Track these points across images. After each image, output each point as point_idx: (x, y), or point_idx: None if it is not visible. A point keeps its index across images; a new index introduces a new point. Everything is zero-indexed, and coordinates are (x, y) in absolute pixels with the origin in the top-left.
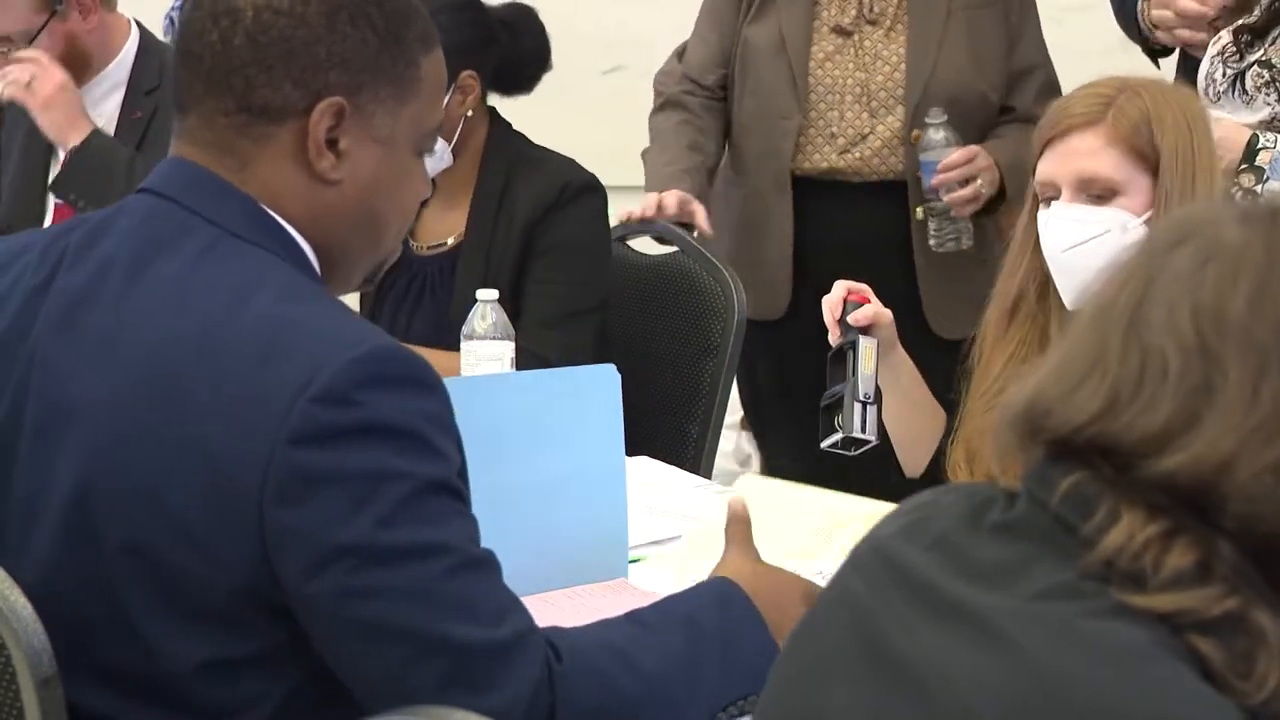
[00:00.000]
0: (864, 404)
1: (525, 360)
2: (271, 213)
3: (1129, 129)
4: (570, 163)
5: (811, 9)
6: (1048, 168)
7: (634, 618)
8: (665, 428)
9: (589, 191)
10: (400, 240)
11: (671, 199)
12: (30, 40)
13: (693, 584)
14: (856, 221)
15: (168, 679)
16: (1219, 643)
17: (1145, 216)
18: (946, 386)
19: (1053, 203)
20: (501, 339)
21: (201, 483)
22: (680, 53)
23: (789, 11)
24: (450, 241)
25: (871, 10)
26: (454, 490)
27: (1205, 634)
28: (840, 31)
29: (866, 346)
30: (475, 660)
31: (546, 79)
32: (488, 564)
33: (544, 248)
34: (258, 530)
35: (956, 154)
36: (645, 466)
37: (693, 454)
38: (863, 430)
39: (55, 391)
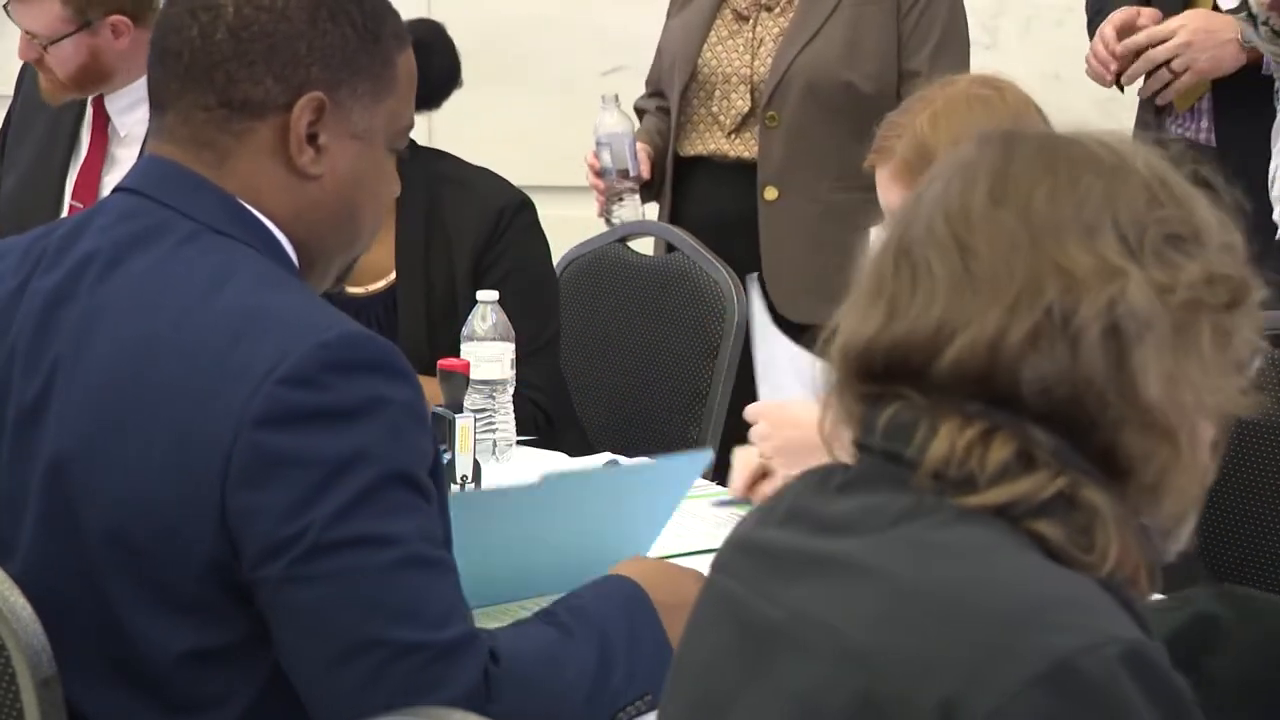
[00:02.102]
0: (461, 485)
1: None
2: (249, 207)
3: (905, 166)
4: (495, 179)
5: None
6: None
7: (556, 623)
8: (665, 430)
9: (522, 210)
10: (374, 237)
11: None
12: (48, 45)
13: (597, 581)
14: (720, 199)
15: (150, 670)
16: (1056, 522)
17: None
18: None
19: (873, 228)
20: (501, 340)
21: (171, 467)
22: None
23: (700, 2)
24: (385, 279)
25: None
26: (415, 483)
27: (1041, 517)
28: (738, 17)
29: (463, 425)
30: (409, 662)
31: (547, 79)
32: (438, 565)
33: (494, 281)
34: (221, 513)
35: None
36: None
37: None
38: None
39: (33, 387)
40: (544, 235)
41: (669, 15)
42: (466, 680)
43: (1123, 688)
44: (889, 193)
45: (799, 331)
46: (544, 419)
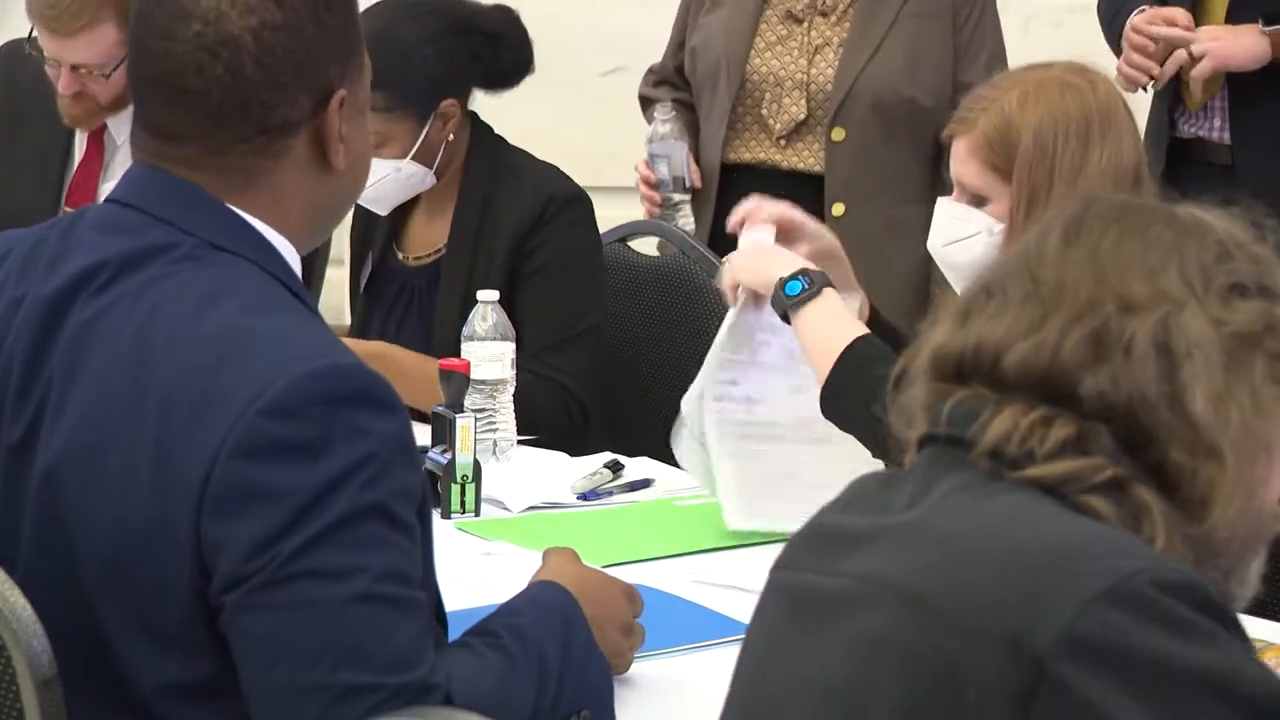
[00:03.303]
0: (461, 485)
1: (536, 384)
2: (248, 218)
3: (985, 141)
4: (553, 172)
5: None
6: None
7: (500, 648)
8: (665, 431)
9: (573, 203)
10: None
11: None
12: (111, 70)
13: (532, 588)
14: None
15: (137, 697)
16: (1108, 500)
17: (1005, 224)
18: None
19: (941, 198)
20: (501, 339)
21: (154, 492)
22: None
23: (742, 1)
24: (435, 252)
25: (824, 1)
26: (391, 517)
27: (1095, 493)
28: (791, 18)
29: (463, 425)
30: (356, 704)
31: (546, 80)
32: (401, 603)
33: (534, 268)
34: (195, 541)
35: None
36: (645, 468)
37: None
38: (462, 511)
39: (30, 402)
40: (594, 230)
41: (692, 11)
42: None
43: (1181, 602)
44: (964, 165)
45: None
46: (578, 409)
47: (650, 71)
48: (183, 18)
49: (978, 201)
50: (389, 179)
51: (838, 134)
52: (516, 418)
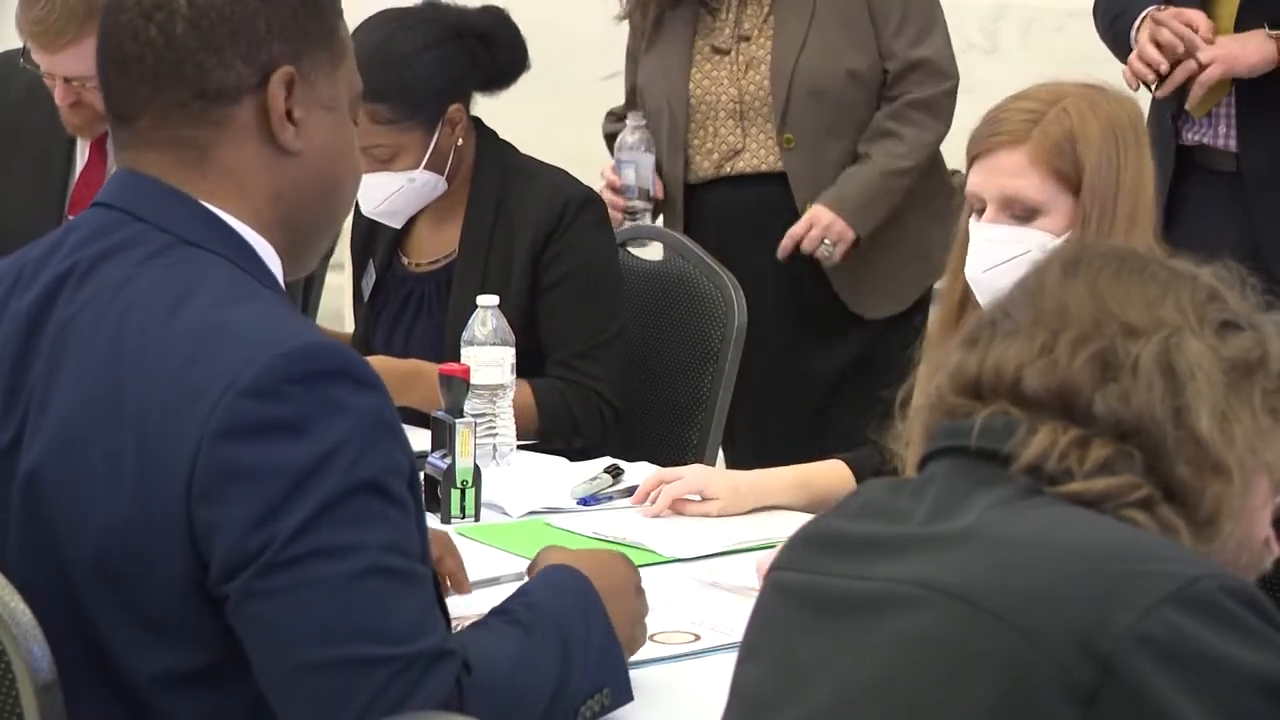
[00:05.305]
0: (461, 490)
1: (568, 391)
2: (221, 213)
3: (1052, 149)
4: (563, 175)
5: (692, 34)
6: (976, 181)
7: (518, 624)
8: (665, 434)
9: (589, 206)
10: (350, 210)
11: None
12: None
13: (545, 573)
14: (741, 203)
15: (134, 690)
16: (1147, 515)
17: (1065, 237)
18: (869, 367)
19: (975, 222)
20: (501, 344)
21: (138, 487)
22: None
23: (674, 39)
24: (445, 258)
25: (743, 29)
26: (384, 492)
27: (1136, 508)
28: (717, 51)
29: (463, 430)
30: (374, 676)
31: (545, 84)
32: (406, 576)
33: (558, 276)
34: (188, 529)
35: (799, 225)
36: (645, 472)
37: (692, 461)
38: (462, 516)
39: (15, 413)
40: (609, 231)
41: (635, 55)
42: (438, 692)
43: (1248, 609)
44: (1020, 179)
45: (880, 327)
46: (611, 413)
47: (610, 113)
48: None
49: (1026, 216)
50: (404, 191)
51: (788, 141)
52: (549, 425)
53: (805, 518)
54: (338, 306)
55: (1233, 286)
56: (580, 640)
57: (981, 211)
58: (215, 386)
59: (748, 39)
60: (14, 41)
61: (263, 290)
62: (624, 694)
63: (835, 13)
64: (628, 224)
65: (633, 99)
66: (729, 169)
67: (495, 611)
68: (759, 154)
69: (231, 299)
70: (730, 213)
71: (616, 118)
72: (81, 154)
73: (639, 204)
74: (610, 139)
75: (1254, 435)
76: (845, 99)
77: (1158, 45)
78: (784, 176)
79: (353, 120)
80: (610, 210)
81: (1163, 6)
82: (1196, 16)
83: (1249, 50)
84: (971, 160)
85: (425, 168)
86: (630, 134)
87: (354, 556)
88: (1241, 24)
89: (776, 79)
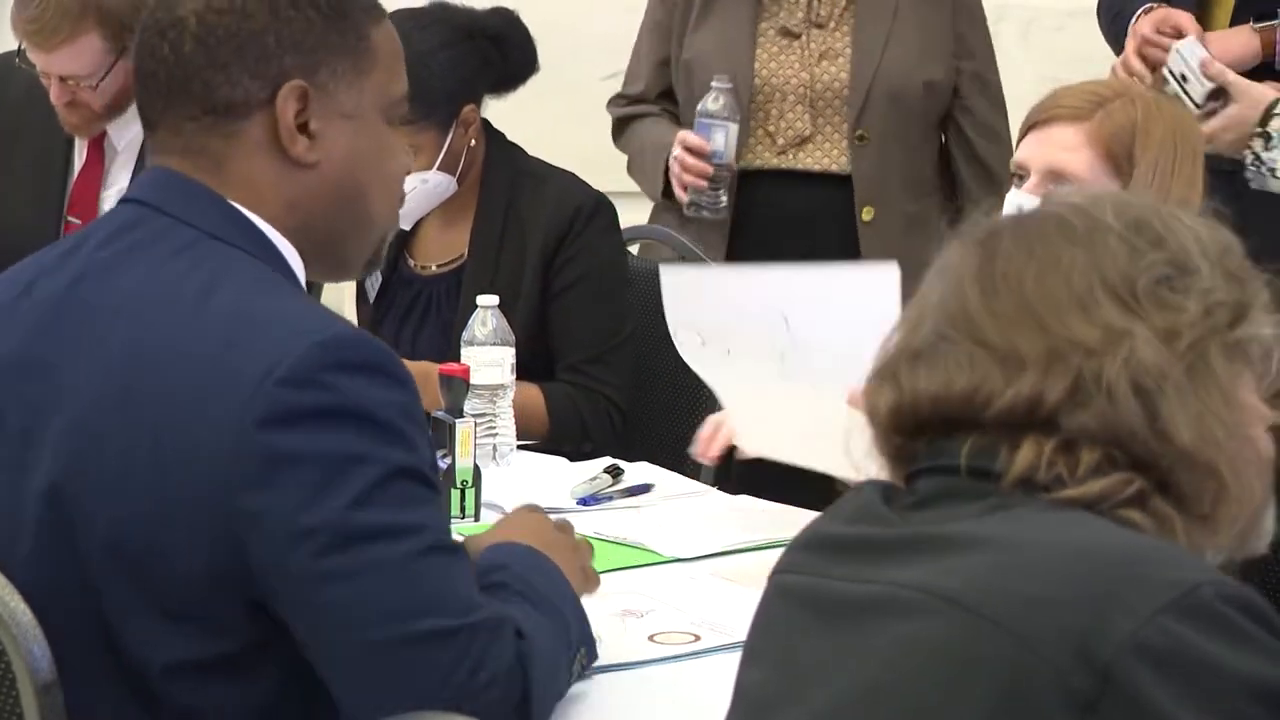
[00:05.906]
0: (461, 490)
1: (578, 396)
2: (246, 212)
3: (1111, 134)
4: (572, 178)
5: (755, 13)
6: (1025, 151)
7: (519, 594)
8: (666, 434)
9: (600, 210)
10: (397, 214)
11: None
12: (99, 80)
13: (491, 552)
14: (797, 202)
15: (149, 681)
16: (1142, 512)
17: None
18: None
19: (1015, 188)
20: (501, 344)
21: (163, 479)
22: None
23: (733, 16)
24: (454, 261)
25: (818, 14)
26: (424, 479)
27: (1130, 507)
28: (786, 34)
29: (463, 430)
30: (449, 647)
31: (547, 85)
32: (456, 551)
33: (570, 280)
34: (227, 518)
35: None
36: (645, 473)
37: (693, 461)
38: (462, 516)
39: (30, 403)
40: (620, 235)
41: (675, 31)
42: (506, 656)
43: (1244, 616)
44: (1071, 153)
45: None
46: (620, 417)
47: (620, 96)
48: (152, 8)
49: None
50: (417, 191)
51: (861, 138)
52: (559, 430)
53: (806, 518)
54: (338, 306)
55: (1137, 210)
56: (568, 605)
57: (1024, 181)
58: (250, 375)
59: (821, 26)
60: (14, 43)
61: (287, 284)
62: (593, 652)
63: (917, 16)
64: (718, 199)
65: (659, 83)
66: (792, 157)
67: (491, 588)
68: (824, 147)
69: (260, 290)
70: (784, 210)
71: (627, 100)
72: (80, 154)
73: (725, 174)
74: (621, 122)
75: (1227, 409)
76: (919, 106)
77: (1142, 57)
78: (845, 180)
79: (389, 124)
80: (684, 177)
81: (1150, 8)
82: (1184, 19)
83: (1233, 46)
84: (1025, 131)
85: (438, 168)
86: (714, 100)
87: (413, 536)
88: (1237, 22)
89: (857, 74)
